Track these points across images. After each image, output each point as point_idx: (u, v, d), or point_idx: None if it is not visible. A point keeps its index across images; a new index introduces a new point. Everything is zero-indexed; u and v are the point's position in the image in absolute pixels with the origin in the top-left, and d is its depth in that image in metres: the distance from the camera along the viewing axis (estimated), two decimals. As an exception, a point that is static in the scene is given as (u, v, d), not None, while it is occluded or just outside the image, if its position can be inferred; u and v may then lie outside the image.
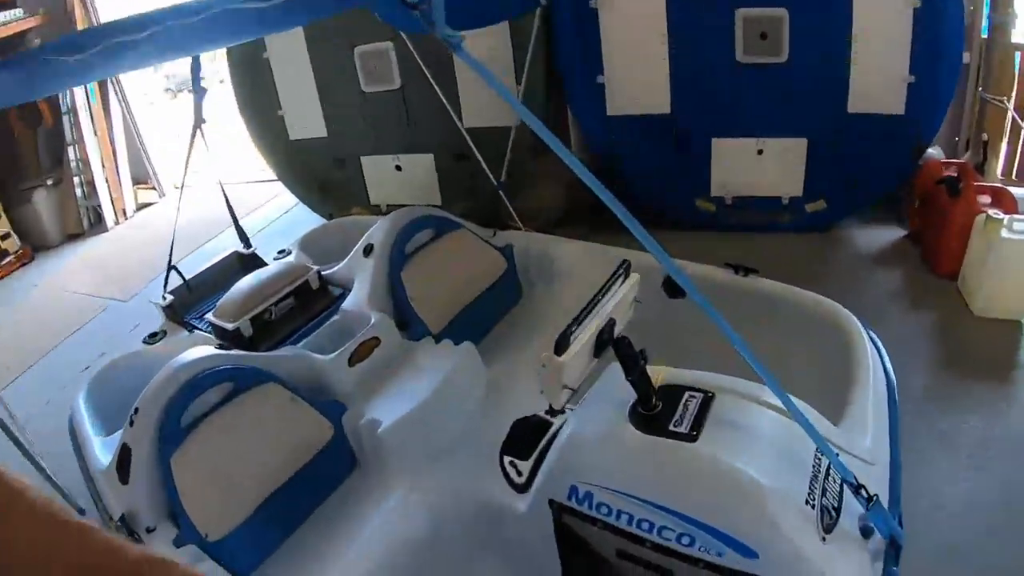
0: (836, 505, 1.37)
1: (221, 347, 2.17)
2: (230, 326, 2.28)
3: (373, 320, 2.16)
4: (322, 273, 2.59)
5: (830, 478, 1.39)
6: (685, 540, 1.32)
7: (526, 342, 2.31)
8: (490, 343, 2.38)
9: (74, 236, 5.44)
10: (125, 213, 5.64)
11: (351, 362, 2.04)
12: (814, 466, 1.39)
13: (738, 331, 1.14)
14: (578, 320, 1.36)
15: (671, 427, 1.35)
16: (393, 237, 2.39)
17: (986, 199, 2.93)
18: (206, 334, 2.48)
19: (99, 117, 5.36)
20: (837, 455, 1.27)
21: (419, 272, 2.37)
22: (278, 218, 4.95)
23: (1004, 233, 2.65)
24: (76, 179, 5.36)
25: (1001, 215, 2.73)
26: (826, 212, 3.50)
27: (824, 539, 1.30)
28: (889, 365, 1.92)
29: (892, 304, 3.01)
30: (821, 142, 3.33)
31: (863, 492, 1.33)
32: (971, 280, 2.84)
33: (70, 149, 5.27)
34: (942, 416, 2.33)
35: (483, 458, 1.77)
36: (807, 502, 1.32)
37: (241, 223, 3.04)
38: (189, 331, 2.54)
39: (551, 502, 1.49)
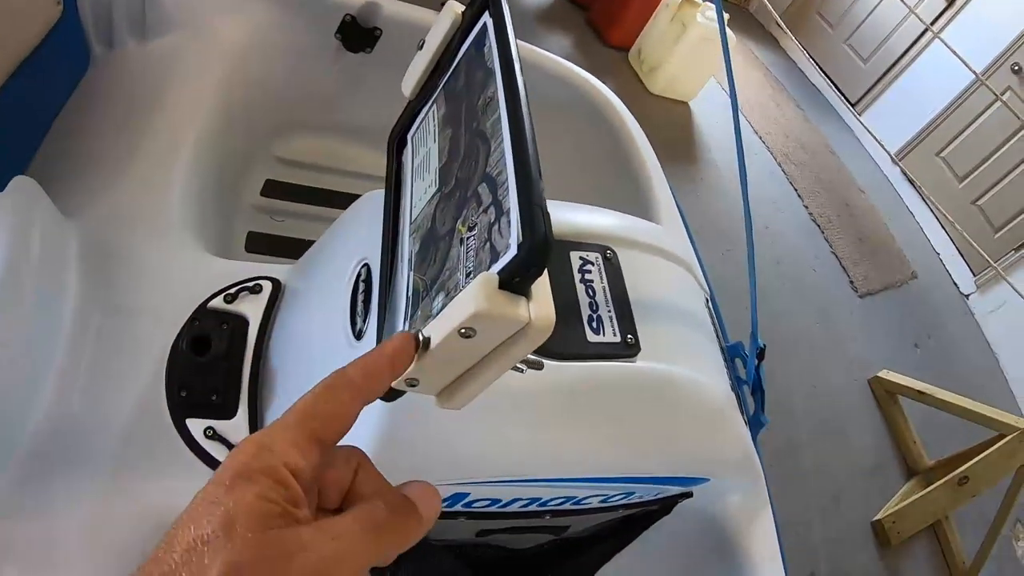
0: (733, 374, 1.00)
1: None
2: None
3: None
4: None
5: (719, 336, 1.00)
6: (608, 500, 0.80)
7: (127, 150, 1.19)
8: (52, 167, 1.19)
9: None
10: None
11: None
12: (714, 328, 0.97)
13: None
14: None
15: (592, 332, 0.70)
16: None
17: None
18: None
19: None
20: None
21: None
22: None
23: (699, 18, 2.51)
24: None
25: (697, -2, 2.58)
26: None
27: (747, 424, 0.94)
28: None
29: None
30: None
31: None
32: (651, 58, 2.71)
33: None
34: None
35: (115, 437, 0.76)
36: (732, 388, 0.91)
37: None
38: None
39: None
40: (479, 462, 0.63)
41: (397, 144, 0.62)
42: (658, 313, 0.79)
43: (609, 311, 0.73)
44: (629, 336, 0.71)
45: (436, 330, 0.35)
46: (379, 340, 0.47)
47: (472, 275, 0.38)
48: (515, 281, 0.32)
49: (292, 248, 1.55)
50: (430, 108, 0.58)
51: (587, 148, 1.51)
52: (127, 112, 1.33)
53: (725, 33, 0.96)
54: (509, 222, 0.36)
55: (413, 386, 0.37)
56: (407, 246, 0.52)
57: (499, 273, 0.33)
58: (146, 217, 1.13)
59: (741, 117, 3.33)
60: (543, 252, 0.32)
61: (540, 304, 0.33)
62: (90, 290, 0.93)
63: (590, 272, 0.77)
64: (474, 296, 0.32)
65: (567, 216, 0.83)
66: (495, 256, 0.36)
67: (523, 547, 0.97)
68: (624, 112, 1.48)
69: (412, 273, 0.48)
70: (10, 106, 1.15)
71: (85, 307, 0.90)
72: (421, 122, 0.60)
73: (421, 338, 0.35)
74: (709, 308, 0.99)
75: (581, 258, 0.78)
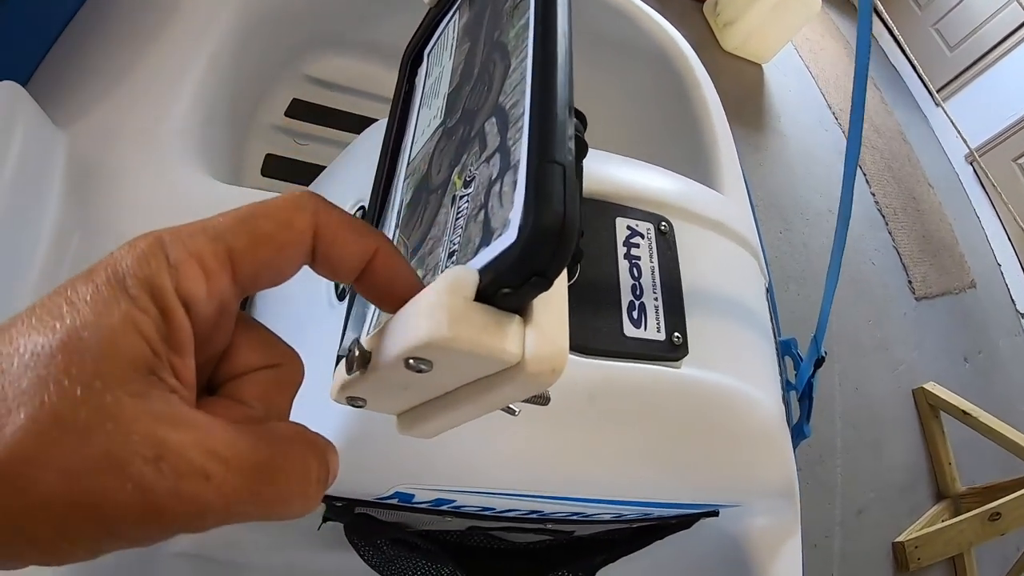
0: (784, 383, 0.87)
1: None
2: None
3: None
4: None
5: (775, 332, 0.87)
6: (621, 518, 0.68)
7: (131, 61, 1.02)
8: (54, 77, 1.03)
9: None
10: None
11: None
12: (772, 326, 0.82)
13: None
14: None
15: (631, 325, 0.57)
16: None
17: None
18: None
19: None
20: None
21: None
22: None
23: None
24: None
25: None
26: None
27: (793, 444, 0.81)
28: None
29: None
30: None
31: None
32: (728, 12, 2.47)
33: None
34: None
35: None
36: (783, 399, 0.77)
37: None
38: None
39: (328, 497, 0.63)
40: (466, 471, 0.51)
41: (412, 62, 0.48)
42: (714, 306, 0.65)
43: (656, 299, 0.60)
44: (676, 335, 0.58)
45: (379, 347, 0.21)
46: (349, 308, 0.34)
47: (454, 259, 0.24)
48: (504, 293, 0.19)
49: (311, 174, 1.41)
50: (452, 15, 0.44)
51: (646, 97, 1.34)
52: (139, 21, 1.19)
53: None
54: (515, 183, 0.21)
55: (359, 406, 0.25)
56: (399, 194, 0.38)
57: (481, 271, 0.20)
58: (142, 133, 1.00)
59: (815, 88, 3.08)
60: (558, 249, 0.18)
61: (544, 332, 0.19)
62: (73, 207, 0.83)
63: (638, 247, 0.63)
64: (430, 312, 0.19)
65: (617, 172, 0.68)
66: (487, 237, 0.22)
67: (522, 542, 0.87)
68: (695, 62, 1.31)
69: (397, 231, 0.35)
70: (18, 13, 1.02)
71: (65, 225, 0.79)
72: (440, 34, 0.45)
73: (357, 351, 0.22)
74: (768, 299, 0.85)
75: (629, 228, 0.64)
